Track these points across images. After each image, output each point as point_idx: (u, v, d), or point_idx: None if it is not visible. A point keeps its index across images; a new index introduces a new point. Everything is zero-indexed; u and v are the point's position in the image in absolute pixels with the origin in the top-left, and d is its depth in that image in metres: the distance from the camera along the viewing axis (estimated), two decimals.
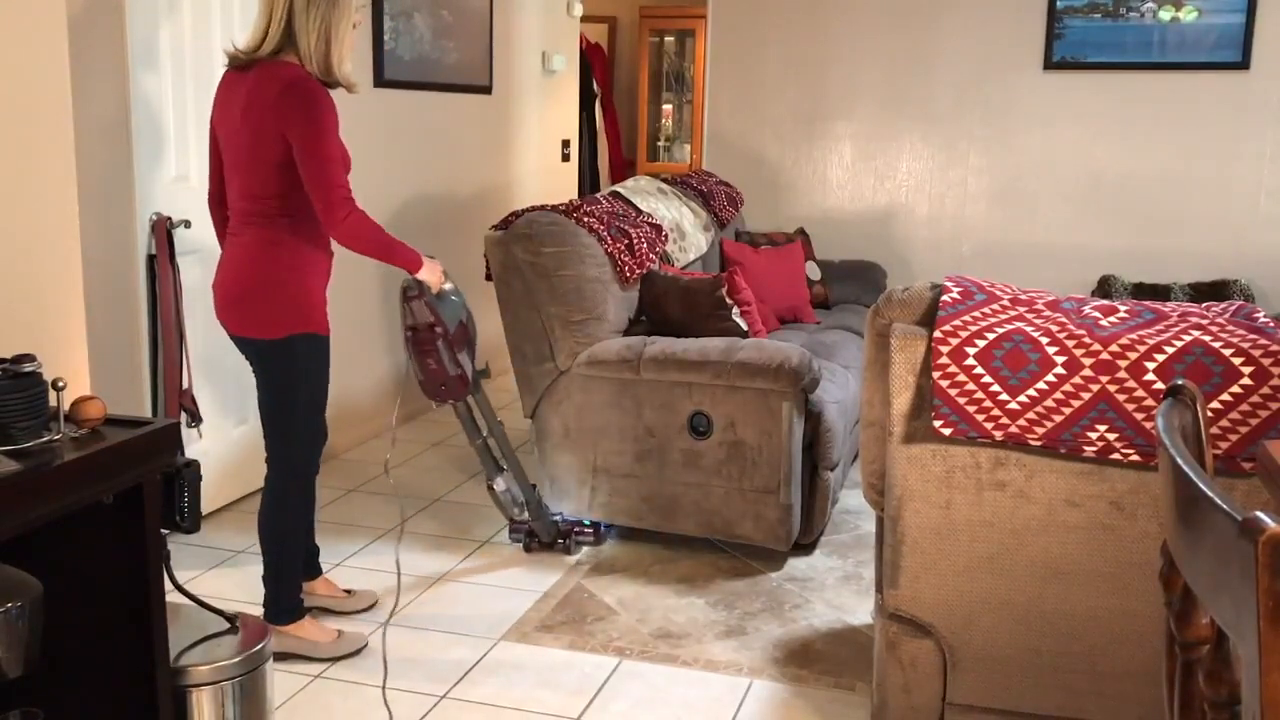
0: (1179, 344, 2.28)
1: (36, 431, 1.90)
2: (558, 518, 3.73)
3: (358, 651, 3.02)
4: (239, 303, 2.85)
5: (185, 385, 3.62)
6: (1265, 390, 2.22)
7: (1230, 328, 2.34)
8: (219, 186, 2.97)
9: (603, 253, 3.85)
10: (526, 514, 3.60)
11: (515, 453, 3.56)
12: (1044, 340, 2.34)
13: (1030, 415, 2.34)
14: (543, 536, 3.68)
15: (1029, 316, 2.42)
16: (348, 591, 3.31)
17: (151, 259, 3.57)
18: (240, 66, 2.82)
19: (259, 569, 3.52)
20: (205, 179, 3.82)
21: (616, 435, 3.62)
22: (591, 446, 3.66)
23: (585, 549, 3.75)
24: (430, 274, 3.01)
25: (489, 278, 3.80)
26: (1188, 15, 5.45)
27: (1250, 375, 2.22)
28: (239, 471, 4.10)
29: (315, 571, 3.28)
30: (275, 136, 2.73)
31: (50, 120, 2.66)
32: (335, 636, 3.02)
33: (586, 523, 3.76)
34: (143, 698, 2.08)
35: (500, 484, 3.50)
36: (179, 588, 2.23)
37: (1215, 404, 2.24)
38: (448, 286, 3.10)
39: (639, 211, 4.41)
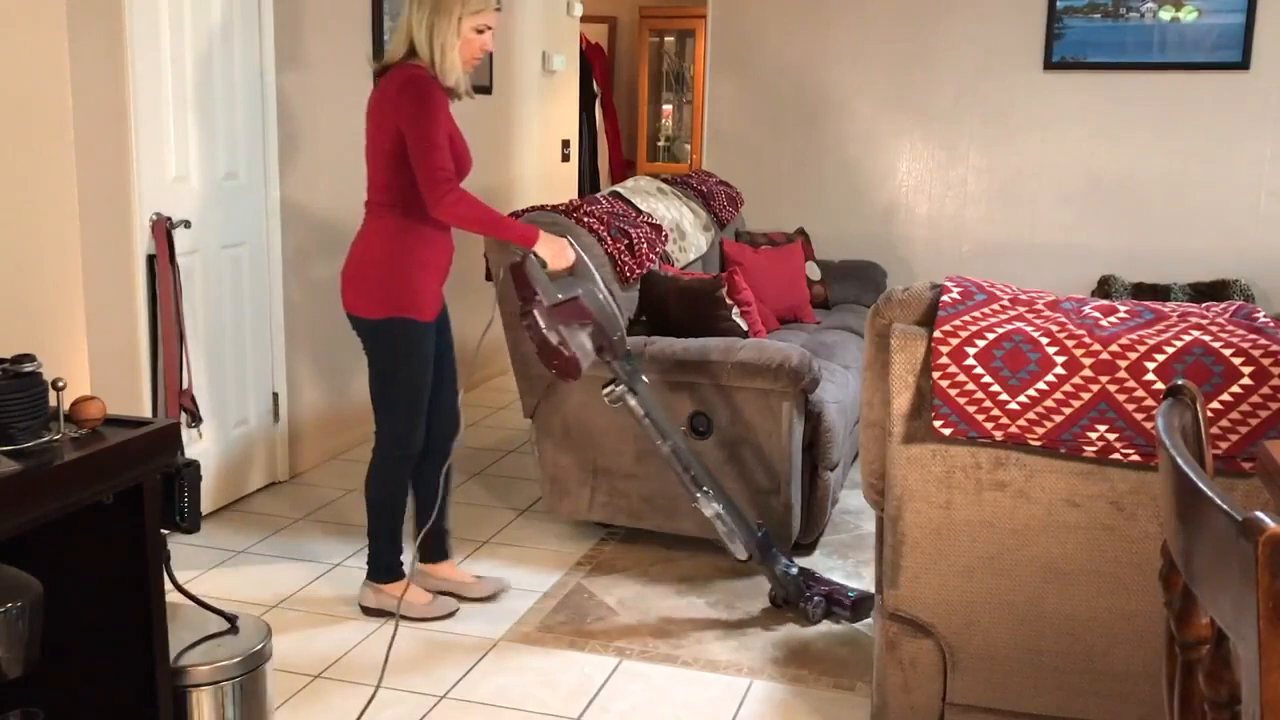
0: (1179, 344, 2.28)
1: (36, 431, 1.90)
2: (792, 569, 3.26)
3: (450, 615, 3.23)
4: (349, 283, 3.09)
5: (185, 385, 3.62)
6: (1265, 390, 2.21)
7: (1230, 328, 2.34)
8: None
9: (603, 253, 3.85)
10: (750, 556, 3.20)
11: (714, 478, 3.19)
12: (1044, 340, 2.34)
13: (1030, 415, 2.34)
14: (786, 594, 3.25)
15: (1029, 316, 2.42)
16: (477, 577, 3.40)
17: (151, 259, 3.57)
18: (379, 75, 3.07)
19: (259, 569, 3.55)
20: (207, 179, 3.85)
21: (616, 435, 3.62)
22: (591, 446, 3.66)
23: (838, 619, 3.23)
24: (548, 248, 3.01)
25: (489, 278, 3.80)
26: (1188, 15, 5.45)
27: (1250, 375, 2.22)
28: (239, 471, 4.10)
29: (443, 555, 3.39)
30: (389, 130, 2.96)
31: (50, 121, 2.68)
32: (430, 599, 3.23)
33: (851, 592, 3.23)
34: (143, 698, 2.08)
35: (706, 508, 3.13)
36: (179, 588, 2.23)
37: (1215, 404, 2.24)
38: (570, 260, 3.05)
39: (639, 211, 4.42)
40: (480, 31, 3.03)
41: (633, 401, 3.10)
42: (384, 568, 3.23)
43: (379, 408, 3.14)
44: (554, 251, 3.02)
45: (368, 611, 3.24)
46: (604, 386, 3.12)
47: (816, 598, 3.21)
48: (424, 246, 3.05)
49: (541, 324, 2.98)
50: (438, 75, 2.99)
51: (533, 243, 3.01)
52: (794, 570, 3.26)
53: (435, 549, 3.37)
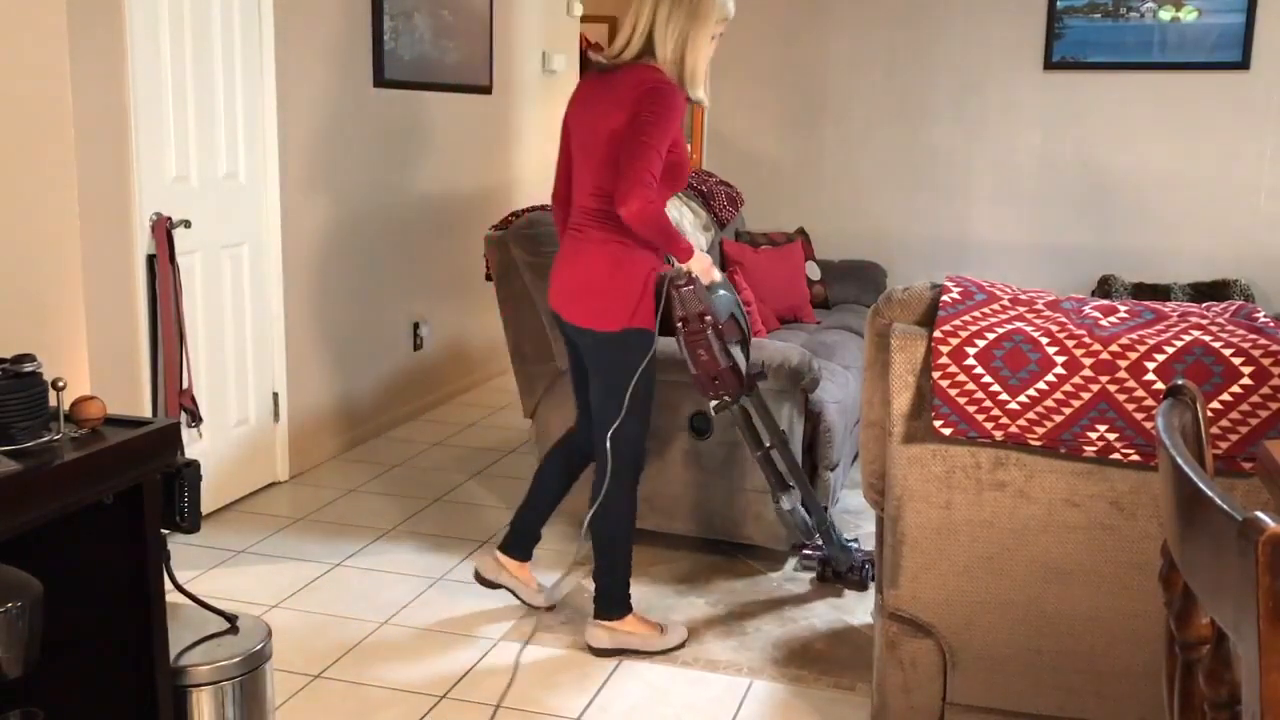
0: (1179, 344, 2.28)
1: (36, 431, 1.90)
2: (854, 544, 3.51)
3: (682, 644, 3.09)
4: (578, 296, 2.93)
5: (185, 385, 3.62)
6: (1265, 390, 2.22)
7: (1230, 328, 2.34)
8: (565, 185, 3.06)
9: None
10: (817, 539, 3.37)
11: (801, 470, 3.30)
12: (1044, 340, 2.34)
13: (1030, 415, 2.34)
14: (838, 566, 3.45)
15: (1029, 316, 2.42)
16: (540, 586, 3.33)
17: (151, 259, 3.57)
18: (603, 70, 2.91)
19: (259, 569, 3.54)
20: (207, 179, 3.85)
21: None
22: None
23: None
24: (700, 264, 2.94)
25: (489, 278, 3.80)
26: (1188, 15, 5.45)
27: (1250, 375, 2.22)
28: (239, 471, 4.10)
29: (527, 555, 3.28)
30: (617, 133, 2.81)
31: (50, 120, 2.68)
32: (662, 631, 3.09)
33: None
34: (143, 698, 2.08)
35: (786, 503, 3.23)
36: (179, 588, 2.23)
37: (1215, 404, 2.24)
38: (718, 278, 3.00)
39: None
40: (712, 39, 2.93)
41: (738, 412, 3.11)
42: (618, 600, 3.07)
43: (605, 425, 2.96)
44: (705, 268, 2.95)
45: (601, 653, 3.05)
46: (712, 400, 3.05)
47: (866, 565, 3.44)
48: (644, 255, 2.93)
49: (716, 347, 2.95)
50: (683, 83, 2.86)
51: (689, 258, 2.91)
52: (852, 542, 3.50)
53: (524, 547, 3.27)
